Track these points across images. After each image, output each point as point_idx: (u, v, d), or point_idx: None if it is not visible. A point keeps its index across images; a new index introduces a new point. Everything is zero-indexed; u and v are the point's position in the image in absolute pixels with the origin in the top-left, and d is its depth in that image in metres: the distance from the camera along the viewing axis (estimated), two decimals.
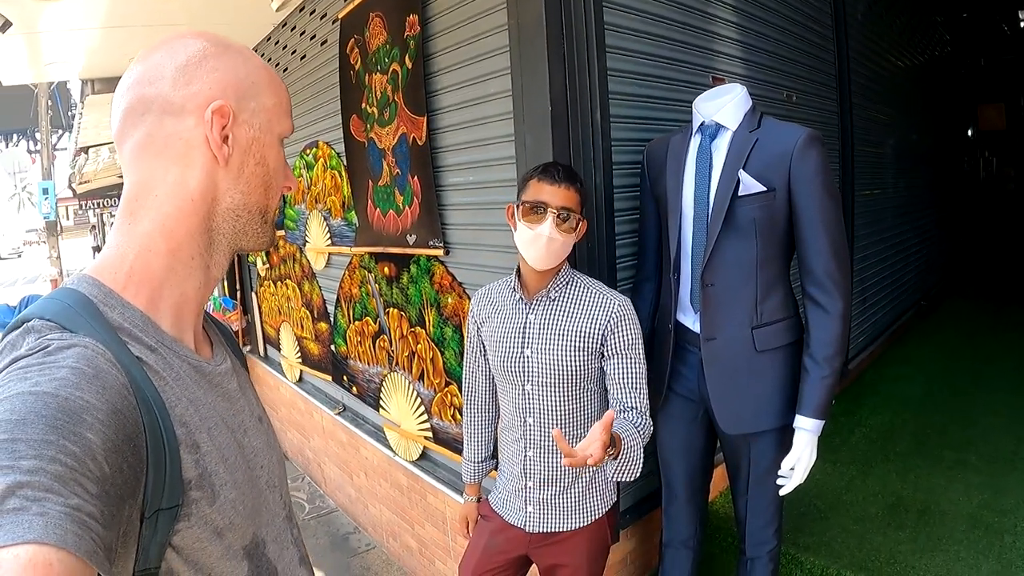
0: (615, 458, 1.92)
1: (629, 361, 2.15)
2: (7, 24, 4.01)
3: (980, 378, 5.17)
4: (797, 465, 2.28)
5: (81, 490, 0.67)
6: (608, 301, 2.16)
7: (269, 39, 5.24)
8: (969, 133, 10.32)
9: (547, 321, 2.19)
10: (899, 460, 3.90)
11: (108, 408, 0.75)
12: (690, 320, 2.45)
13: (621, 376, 2.16)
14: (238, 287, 6.96)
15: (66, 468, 0.67)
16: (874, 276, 5.50)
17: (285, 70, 4.94)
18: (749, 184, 2.20)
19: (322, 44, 4.22)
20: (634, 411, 2.14)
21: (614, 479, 2.07)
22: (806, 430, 2.26)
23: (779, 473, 2.34)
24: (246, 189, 1.01)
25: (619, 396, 2.17)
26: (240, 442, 1.00)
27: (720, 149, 2.30)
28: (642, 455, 2.02)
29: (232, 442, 0.97)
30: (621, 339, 2.14)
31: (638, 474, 2.00)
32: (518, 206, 2.14)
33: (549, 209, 2.07)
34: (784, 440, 2.34)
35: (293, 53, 4.76)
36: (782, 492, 2.35)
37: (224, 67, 0.97)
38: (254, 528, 0.98)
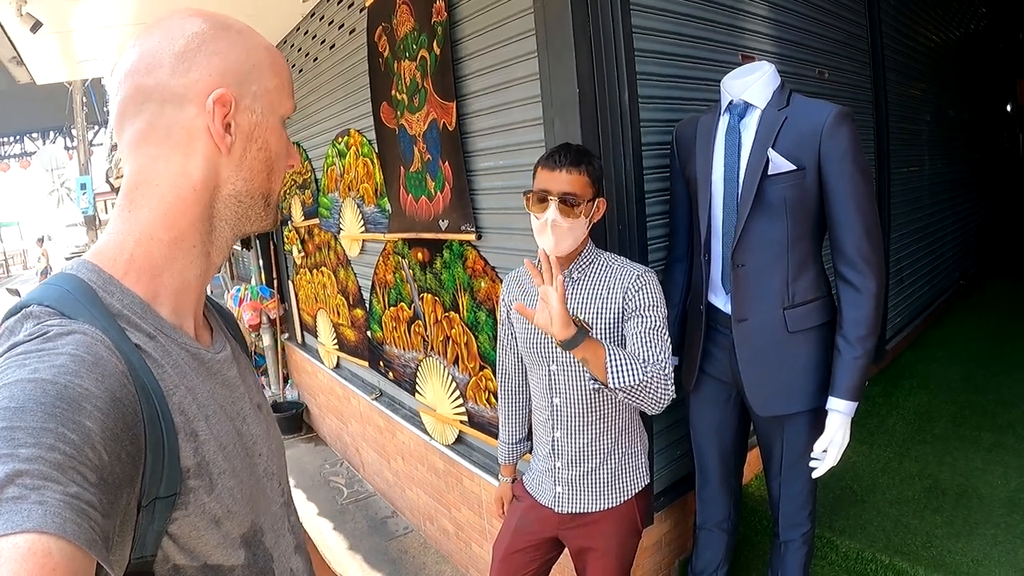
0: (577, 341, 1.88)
1: (645, 319, 2.09)
2: (38, 25, 4.06)
3: (1019, 359, 5.05)
4: (830, 447, 2.27)
5: (80, 478, 0.67)
6: (628, 272, 2.14)
7: (298, 29, 5.25)
8: (1008, 109, 10.10)
9: (569, 301, 2.18)
10: (936, 442, 3.85)
11: (107, 396, 0.74)
12: (721, 301, 2.44)
13: (635, 332, 2.08)
14: (275, 275, 7.01)
15: (65, 456, 0.66)
16: (911, 256, 5.42)
17: (315, 60, 4.96)
18: (779, 163, 2.18)
19: (350, 33, 4.22)
20: (641, 361, 2.01)
21: (612, 384, 1.94)
22: (839, 412, 2.25)
23: (812, 455, 2.33)
24: (248, 175, 0.99)
25: (633, 350, 2.07)
26: (239, 430, 1.00)
27: (749, 128, 2.28)
28: (637, 371, 1.92)
29: (231, 430, 0.97)
30: (640, 302, 2.09)
31: (635, 381, 1.92)
32: (527, 196, 2.15)
33: (551, 196, 2.06)
34: (817, 422, 2.33)
35: (322, 43, 4.77)
36: (815, 475, 2.34)
37: (224, 51, 0.95)
38: (252, 516, 0.98)
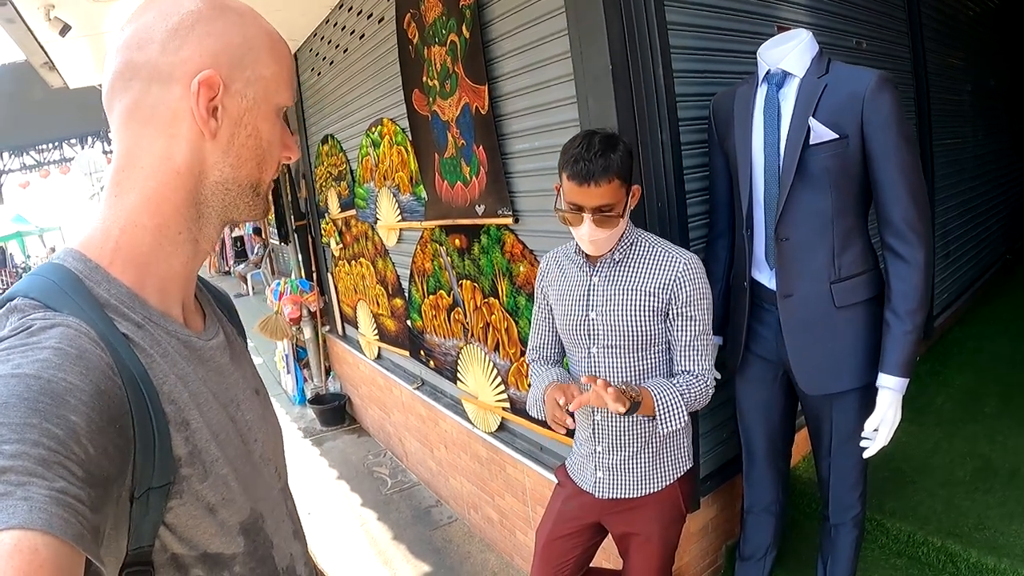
0: (633, 410, 1.99)
1: (691, 322, 2.11)
2: (66, 28, 4.08)
3: None
4: (881, 426, 2.22)
5: (66, 473, 0.66)
6: (674, 260, 2.10)
7: (327, 21, 5.27)
8: None
9: (611, 283, 2.15)
10: (987, 421, 3.77)
11: (92, 389, 0.74)
12: (766, 277, 2.39)
13: (681, 337, 2.13)
14: (314, 268, 7.06)
15: (50, 451, 0.66)
16: (957, 229, 5.31)
17: (345, 51, 4.97)
18: (820, 132, 2.12)
19: (379, 21, 4.21)
20: (687, 374, 2.14)
21: (660, 429, 2.07)
22: (890, 389, 2.19)
23: (862, 435, 2.28)
24: (236, 163, 0.96)
25: (679, 359, 2.15)
26: (232, 417, 0.99)
27: (788, 97, 2.22)
28: (682, 411, 2.07)
29: (224, 417, 0.96)
30: (685, 299, 2.09)
31: (681, 424, 2.07)
32: (557, 208, 2.11)
33: (584, 213, 2.01)
34: (867, 400, 2.28)
35: (352, 33, 4.78)
36: (866, 454, 2.29)
37: (218, 32, 0.92)
38: (251, 503, 0.98)
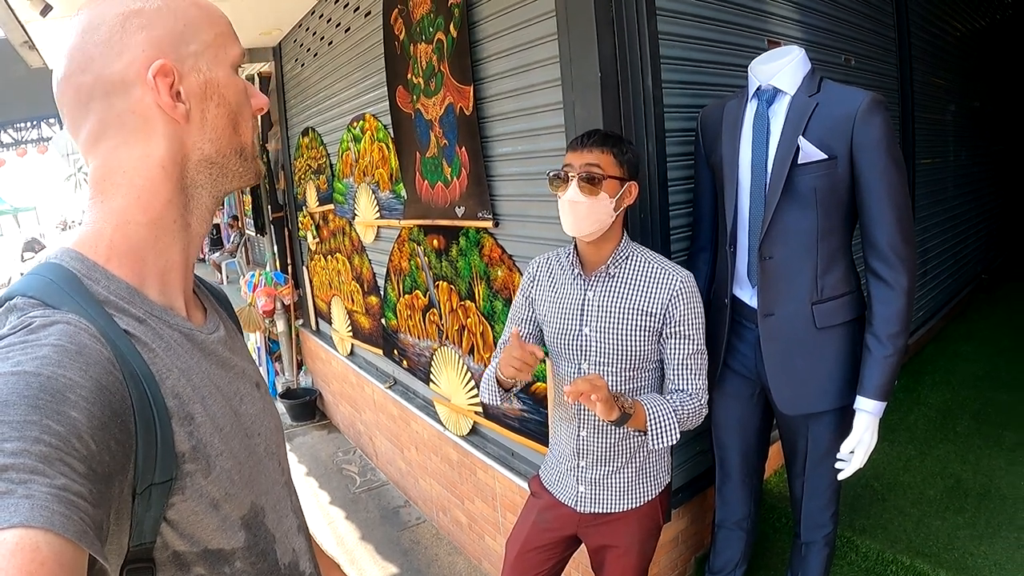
0: (623, 421, 1.96)
1: (685, 341, 2.09)
2: (47, 8, 4.02)
3: None
4: (857, 448, 2.22)
5: (67, 469, 0.66)
6: (670, 277, 2.08)
7: (313, 12, 5.22)
8: None
9: (606, 298, 2.12)
10: (959, 440, 3.79)
11: (92, 385, 0.73)
12: (747, 295, 2.37)
13: (676, 357, 2.10)
14: (290, 261, 7.02)
15: (51, 448, 0.66)
16: (935, 248, 5.36)
17: (330, 43, 4.93)
18: (809, 151, 2.11)
19: (366, 15, 4.18)
20: (682, 392, 2.10)
21: (652, 445, 2.04)
22: (867, 412, 2.19)
23: (838, 456, 2.27)
24: (213, 135, 0.97)
25: (672, 377, 2.12)
26: (236, 410, 0.99)
27: (778, 115, 2.21)
28: (674, 428, 2.03)
29: (227, 410, 0.96)
30: (681, 318, 2.06)
31: (673, 441, 2.03)
32: (550, 179, 2.10)
33: (572, 174, 2.02)
34: (844, 421, 2.27)
35: (337, 26, 4.73)
36: (841, 476, 2.29)
37: (149, 22, 0.91)
38: (252, 497, 0.97)
